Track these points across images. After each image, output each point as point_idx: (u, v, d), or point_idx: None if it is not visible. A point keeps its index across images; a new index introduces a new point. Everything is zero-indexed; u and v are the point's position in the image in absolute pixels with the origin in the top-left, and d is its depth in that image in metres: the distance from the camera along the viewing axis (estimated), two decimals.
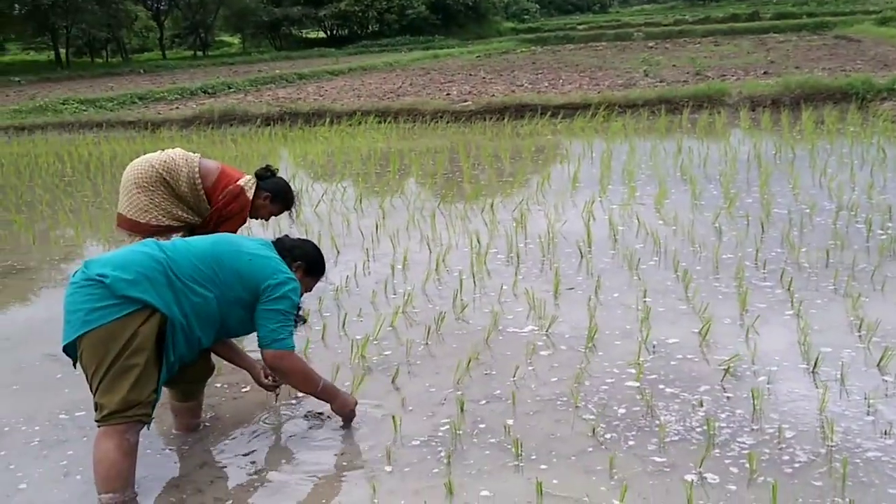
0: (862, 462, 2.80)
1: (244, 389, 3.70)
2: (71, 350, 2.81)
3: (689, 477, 2.76)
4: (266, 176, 4.51)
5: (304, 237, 3.43)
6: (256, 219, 4.69)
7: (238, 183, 4.42)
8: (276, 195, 4.52)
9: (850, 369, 3.47)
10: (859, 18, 32.43)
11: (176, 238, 3.44)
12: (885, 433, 2.98)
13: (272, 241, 3.22)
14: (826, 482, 2.70)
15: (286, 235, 3.35)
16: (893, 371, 3.44)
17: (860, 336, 3.83)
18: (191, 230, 4.42)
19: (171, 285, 2.82)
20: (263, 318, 2.96)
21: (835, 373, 3.45)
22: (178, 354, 2.89)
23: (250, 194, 4.43)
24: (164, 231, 4.29)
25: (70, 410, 3.59)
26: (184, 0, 45.66)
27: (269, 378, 3.30)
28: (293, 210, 4.73)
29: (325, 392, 3.17)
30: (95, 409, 2.78)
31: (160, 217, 4.32)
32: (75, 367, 2.86)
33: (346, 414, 3.23)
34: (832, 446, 2.91)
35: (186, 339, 2.89)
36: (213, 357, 3.31)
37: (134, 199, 4.31)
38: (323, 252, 3.43)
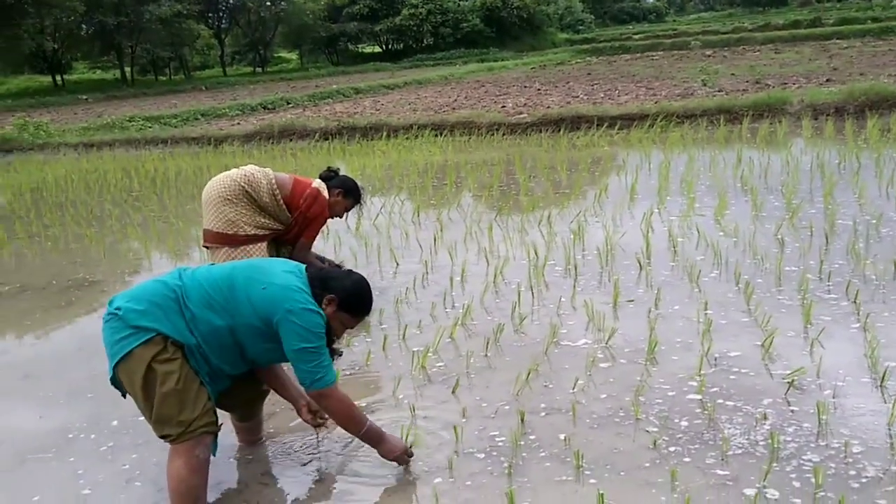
0: None
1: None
2: (116, 383, 2.86)
3: (751, 491, 2.73)
4: (331, 176, 4.90)
5: (352, 269, 3.30)
6: (334, 217, 4.97)
7: (313, 186, 4.77)
8: (347, 190, 4.88)
9: None
10: None
11: (208, 263, 3.44)
12: None
13: (308, 269, 3.03)
14: (894, 498, 2.65)
15: (339, 265, 3.30)
16: None
17: None
18: (276, 238, 4.75)
19: (182, 314, 2.80)
20: (294, 359, 2.84)
21: None
22: (207, 372, 2.86)
23: (326, 194, 4.79)
24: (251, 241, 4.61)
25: (139, 416, 3.71)
26: (244, 18, 46.78)
27: (312, 415, 3.22)
28: (363, 203, 5.04)
29: (370, 434, 3.00)
30: (160, 437, 2.81)
31: (247, 228, 4.59)
32: (125, 397, 2.91)
33: (396, 459, 3.05)
34: None
35: (208, 365, 2.86)
36: None
37: (221, 213, 4.57)
38: (371, 285, 3.12)
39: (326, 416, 3.15)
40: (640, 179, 7.98)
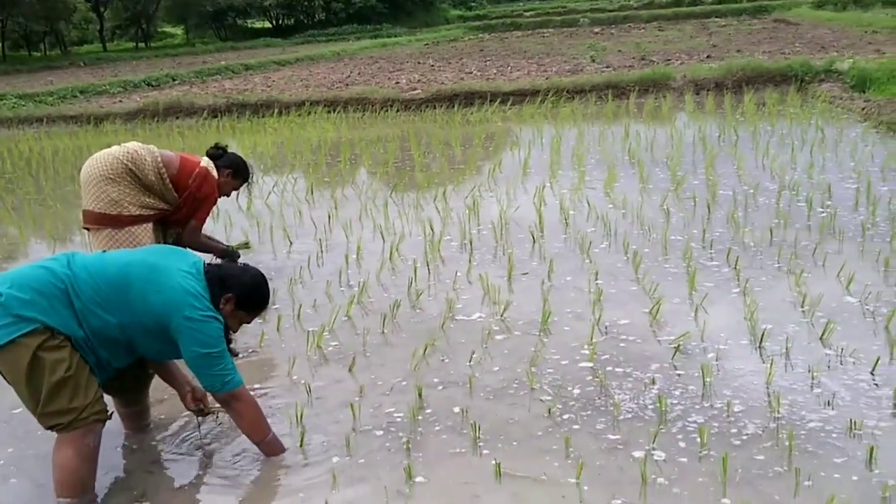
0: (807, 433, 2.90)
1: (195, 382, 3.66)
2: None
3: (640, 453, 2.83)
4: (219, 154, 4.71)
5: (247, 264, 3.15)
6: (221, 196, 4.80)
7: (202, 165, 4.55)
8: (236, 170, 4.76)
9: (795, 344, 3.58)
10: (797, 2, 33.09)
11: (97, 251, 3.29)
12: (828, 404, 3.08)
13: (205, 266, 2.93)
14: (773, 453, 2.79)
15: (230, 260, 3.19)
16: (835, 344, 3.56)
17: (803, 311, 3.95)
18: (163, 219, 4.52)
19: (70, 305, 2.68)
20: (196, 366, 2.78)
21: (780, 348, 3.56)
22: (95, 363, 2.77)
23: (215, 174, 4.60)
24: (136, 221, 4.36)
25: (16, 408, 3.52)
26: None
27: (196, 403, 3.14)
28: (251, 181, 4.91)
29: (272, 444, 2.97)
30: (47, 428, 2.70)
31: (131, 208, 4.33)
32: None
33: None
34: (779, 418, 3.01)
35: (95, 356, 2.75)
36: None
37: (103, 193, 4.29)
38: (268, 280, 3.07)
39: (213, 404, 3.09)
40: (533, 154, 8.09)
